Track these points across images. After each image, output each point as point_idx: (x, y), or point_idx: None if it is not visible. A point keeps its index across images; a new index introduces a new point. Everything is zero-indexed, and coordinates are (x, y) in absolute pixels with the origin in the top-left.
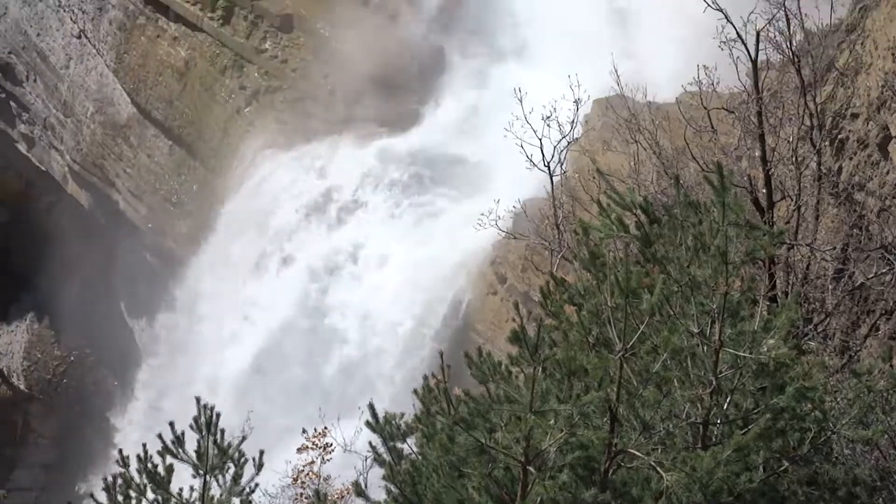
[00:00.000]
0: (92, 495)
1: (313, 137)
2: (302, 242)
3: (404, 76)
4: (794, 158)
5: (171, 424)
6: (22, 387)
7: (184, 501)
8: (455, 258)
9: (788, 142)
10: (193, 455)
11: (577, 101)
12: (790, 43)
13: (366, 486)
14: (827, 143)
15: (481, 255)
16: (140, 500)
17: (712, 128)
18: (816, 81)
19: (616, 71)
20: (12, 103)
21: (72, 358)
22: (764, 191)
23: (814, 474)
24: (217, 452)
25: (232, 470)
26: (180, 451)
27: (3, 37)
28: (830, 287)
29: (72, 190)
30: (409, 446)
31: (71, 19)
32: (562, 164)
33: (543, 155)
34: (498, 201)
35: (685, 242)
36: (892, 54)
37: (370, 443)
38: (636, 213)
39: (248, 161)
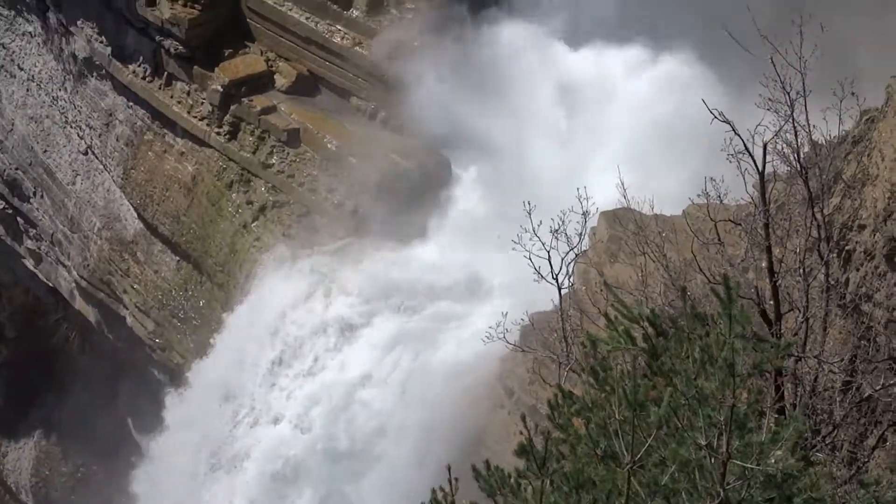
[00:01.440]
0: None
1: (320, 251)
2: (305, 361)
3: (411, 189)
4: (801, 270)
5: None
6: None
7: None
8: (463, 373)
9: (796, 253)
10: None
11: (584, 214)
12: (798, 154)
13: None
14: (834, 254)
15: (489, 368)
16: None
17: (719, 240)
18: (823, 193)
19: (622, 184)
20: (19, 219)
21: (79, 474)
22: (771, 302)
23: None
24: None
25: None
26: None
27: (10, 153)
28: (838, 399)
29: (79, 306)
30: None
31: (78, 135)
32: (570, 277)
33: (552, 267)
34: (506, 314)
35: (692, 355)
36: None
37: None
38: (643, 325)
39: (253, 276)
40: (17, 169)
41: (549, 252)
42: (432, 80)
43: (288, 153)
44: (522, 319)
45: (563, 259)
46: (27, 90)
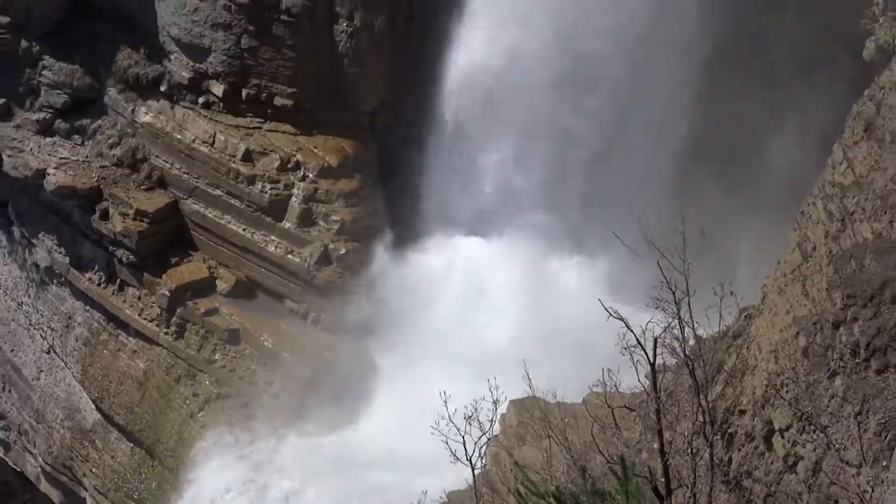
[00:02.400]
0: None
1: (257, 438)
2: None
3: (339, 382)
4: (689, 450)
5: None
6: None
7: None
8: None
9: (684, 436)
10: None
11: (495, 402)
12: (684, 348)
13: None
14: (718, 436)
15: None
16: None
17: (616, 424)
18: (708, 382)
19: (528, 375)
20: None
21: None
22: (663, 480)
23: None
24: None
25: None
26: None
27: None
28: None
29: (44, 488)
30: None
31: (41, 336)
32: (482, 459)
33: (466, 450)
34: (425, 492)
35: None
36: (774, 357)
37: None
38: (550, 501)
39: (197, 462)
40: None
41: (463, 436)
42: (359, 288)
43: (229, 350)
44: (440, 497)
45: (476, 442)
46: None
